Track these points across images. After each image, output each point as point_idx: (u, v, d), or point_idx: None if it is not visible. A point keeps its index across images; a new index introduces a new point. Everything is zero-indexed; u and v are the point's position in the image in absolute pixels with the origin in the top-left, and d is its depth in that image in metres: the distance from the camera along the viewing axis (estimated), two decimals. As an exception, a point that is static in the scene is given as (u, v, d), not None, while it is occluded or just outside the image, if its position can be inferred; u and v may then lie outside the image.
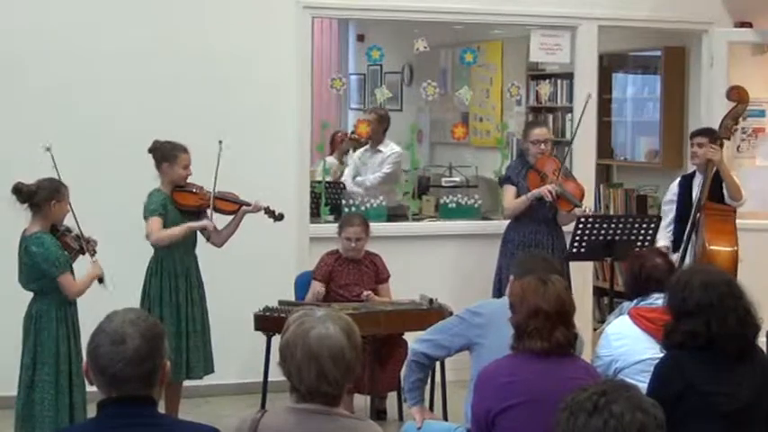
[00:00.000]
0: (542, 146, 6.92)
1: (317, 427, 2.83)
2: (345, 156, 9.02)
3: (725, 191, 6.65)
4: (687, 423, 3.52)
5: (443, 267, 7.36)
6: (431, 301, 6.29)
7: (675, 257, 6.37)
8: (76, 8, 6.67)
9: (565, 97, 9.43)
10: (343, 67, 11.80)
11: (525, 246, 6.76)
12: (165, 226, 5.81)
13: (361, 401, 6.18)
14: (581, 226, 6.61)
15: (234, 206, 6.09)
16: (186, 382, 6.06)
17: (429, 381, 4.93)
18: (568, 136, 8.94)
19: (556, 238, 6.92)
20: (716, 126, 6.82)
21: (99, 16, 6.71)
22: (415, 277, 6.88)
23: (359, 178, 8.23)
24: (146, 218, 5.81)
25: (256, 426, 2.87)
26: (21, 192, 5.20)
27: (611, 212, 8.63)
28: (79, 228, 5.40)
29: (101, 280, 5.39)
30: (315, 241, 7.01)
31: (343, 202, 7.50)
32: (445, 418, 5.78)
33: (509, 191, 6.99)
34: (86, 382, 2.74)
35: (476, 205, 7.74)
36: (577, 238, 6.62)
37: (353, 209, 7.32)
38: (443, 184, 9.70)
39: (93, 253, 5.45)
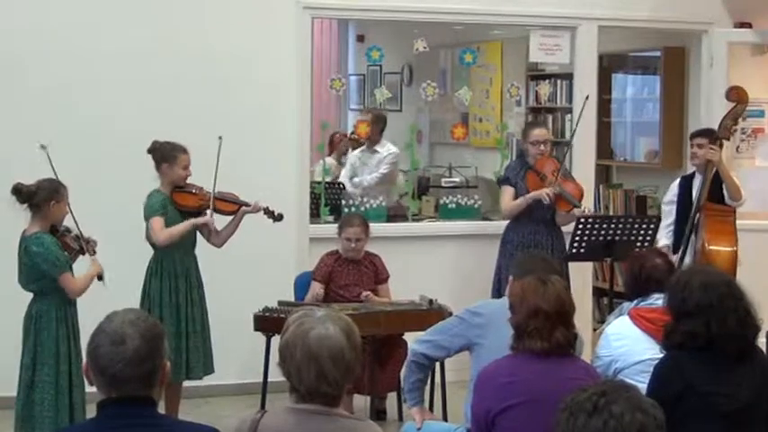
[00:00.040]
0: (542, 146, 6.92)
1: (316, 427, 2.83)
2: (344, 156, 9.03)
3: (725, 191, 6.65)
4: (687, 423, 3.52)
5: (443, 268, 7.36)
6: (430, 301, 6.29)
7: (675, 258, 6.37)
8: (76, 8, 6.67)
9: (564, 98, 9.43)
10: (342, 67, 11.80)
11: (524, 246, 6.76)
12: (166, 227, 5.82)
13: (361, 402, 6.18)
14: (581, 226, 6.61)
15: (233, 206, 6.09)
16: (186, 383, 6.06)
17: (429, 381, 4.93)
18: (568, 136, 8.94)
19: (555, 239, 6.92)
20: (715, 126, 6.82)
21: (99, 16, 6.71)
22: (415, 278, 6.88)
23: (356, 179, 8.23)
24: (147, 218, 5.81)
25: (256, 426, 2.87)
26: (20, 192, 5.20)
27: (611, 213, 8.63)
28: (78, 228, 5.40)
29: (100, 277, 5.39)
30: (314, 242, 7.01)
31: (343, 202, 7.50)
32: (445, 419, 5.78)
33: (507, 192, 6.99)
34: (86, 382, 2.74)
35: (475, 206, 7.74)
36: (577, 238, 6.62)
37: (353, 209, 7.32)
38: (443, 184, 9.71)
39: (93, 253, 5.45)
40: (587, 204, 7.26)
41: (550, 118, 9.84)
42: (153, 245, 5.91)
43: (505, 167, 7.39)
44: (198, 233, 6.06)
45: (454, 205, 7.74)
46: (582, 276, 7.51)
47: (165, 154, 5.89)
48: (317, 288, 6.44)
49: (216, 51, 6.85)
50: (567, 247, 6.73)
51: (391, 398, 6.48)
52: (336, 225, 6.68)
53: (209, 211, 5.99)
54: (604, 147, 8.96)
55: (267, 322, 6.11)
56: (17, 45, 6.57)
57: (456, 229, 7.55)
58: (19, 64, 6.57)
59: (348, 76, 11.52)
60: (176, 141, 5.91)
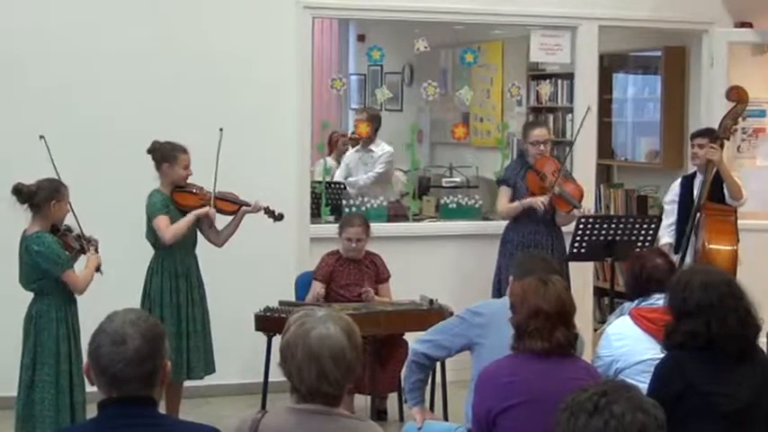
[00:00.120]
0: (541, 146, 6.93)
1: (317, 427, 2.83)
2: (343, 156, 9.03)
3: (725, 191, 6.65)
4: (687, 423, 3.52)
5: (444, 268, 7.36)
6: (431, 301, 6.29)
7: (676, 258, 6.37)
8: (76, 8, 6.67)
9: (565, 97, 9.43)
10: (343, 67, 11.80)
11: (524, 246, 6.76)
12: (169, 225, 5.85)
13: (362, 402, 6.18)
14: (581, 226, 6.62)
15: (234, 206, 6.09)
16: (187, 383, 6.06)
17: (429, 381, 4.93)
18: (569, 136, 8.95)
19: (555, 239, 6.92)
20: (716, 126, 6.82)
21: (99, 16, 6.71)
22: (416, 277, 6.88)
23: (351, 178, 8.22)
24: (150, 218, 5.82)
25: (257, 426, 2.87)
26: (21, 192, 5.20)
27: (612, 213, 8.63)
28: (80, 227, 5.40)
29: (97, 268, 5.39)
30: (315, 241, 7.00)
31: (344, 202, 7.50)
32: (446, 419, 5.77)
33: (504, 193, 7.01)
34: (87, 382, 2.74)
35: (476, 206, 7.74)
36: (578, 238, 6.63)
37: (354, 209, 7.32)
38: (444, 184, 9.71)
39: (95, 251, 5.45)
40: (588, 204, 7.27)
41: (551, 118, 9.83)
42: (153, 245, 5.92)
43: (505, 167, 7.40)
44: (198, 233, 6.06)
45: (455, 205, 7.74)
46: (583, 276, 7.51)
47: (166, 154, 5.89)
48: (317, 288, 6.44)
49: (216, 51, 6.85)
50: (568, 246, 6.73)
51: (392, 398, 6.47)
52: (337, 225, 6.68)
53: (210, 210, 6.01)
54: (605, 146, 8.96)
55: (268, 322, 6.11)
56: (17, 45, 6.57)
57: (457, 229, 7.55)
58: (19, 64, 6.57)
59: (349, 75, 11.51)
60: (176, 141, 5.91)
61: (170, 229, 5.80)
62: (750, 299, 3.69)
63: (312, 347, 2.80)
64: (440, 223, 7.80)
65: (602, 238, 6.63)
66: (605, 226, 6.64)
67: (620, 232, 6.64)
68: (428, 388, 4.91)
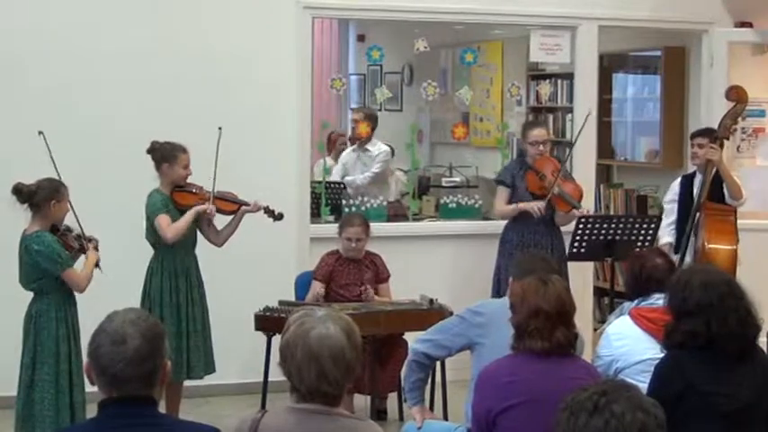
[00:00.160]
0: (541, 147, 6.93)
1: (317, 427, 2.83)
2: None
3: (725, 191, 6.65)
4: (687, 423, 3.52)
5: (443, 267, 7.36)
6: (431, 301, 6.29)
7: (675, 258, 6.37)
8: (76, 8, 6.67)
9: (565, 97, 9.43)
10: (343, 67, 11.80)
11: (524, 246, 6.76)
12: (168, 225, 5.85)
13: (362, 401, 6.18)
14: (581, 226, 6.62)
15: (233, 206, 6.09)
16: (187, 382, 6.06)
17: (429, 381, 4.93)
18: (568, 136, 8.95)
19: (554, 239, 6.92)
20: (716, 126, 6.82)
21: (99, 16, 6.71)
22: (415, 277, 6.88)
23: (348, 178, 8.21)
24: (151, 218, 5.82)
25: (257, 426, 2.87)
26: (21, 192, 5.20)
27: (612, 212, 8.63)
28: (80, 227, 5.40)
29: (96, 264, 5.40)
30: (315, 241, 7.01)
31: (344, 202, 7.50)
32: (446, 418, 5.78)
33: (501, 193, 7.02)
34: (87, 381, 2.74)
35: (476, 205, 7.74)
36: (578, 238, 6.63)
37: (354, 209, 7.32)
38: (444, 184, 9.72)
39: (94, 249, 5.45)
40: (588, 204, 7.27)
41: (551, 118, 9.83)
42: (153, 244, 5.92)
43: (504, 167, 7.40)
44: (198, 232, 6.06)
45: (455, 205, 7.74)
46: (582, 276, 7.51)
47: (166, 154, 5.89)
48: (317, 287, 6.44)
49: (216, 51, 6.85)
50: (568, 246, 6.73)
51: (392, 397, 6.47)
52: (337, 225, 6.68)
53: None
54: (605, 146, 8.96)
55: (268, 322, 6.11)
56: (17, 45, 6.57)
57: (456, 228, 7.55)
58: (19, 64, 6.57)
59: (348, 75, 11.51)
60: (176, 141, 5.91)
61: (171, 228, 5.80)
62: (750, 299, 3.69)
63: (312, 347, 2.80)
64: (439, 223, 7.80)
65: (601, 237, 6.63)
66: (605, 226, 6.64)
67: (619, 232, 6.64)
68: (428, 387, 4.91)
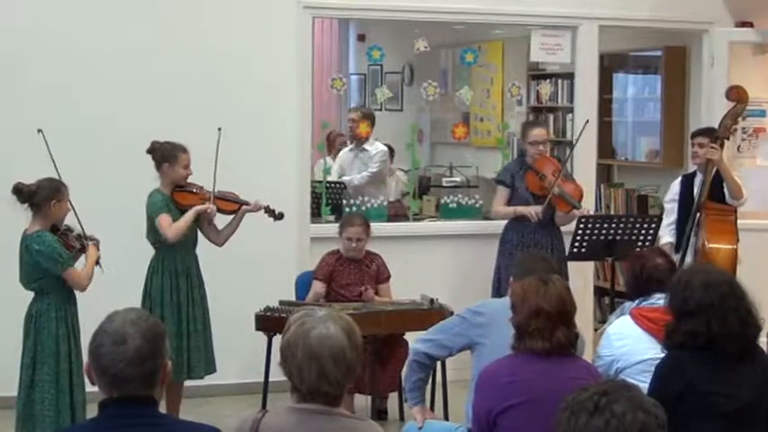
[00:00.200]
0: (540, 146, 6.93)
1: (317, 427, 2.83)
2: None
3: (726, 190, 6.65)
4: (688, 423, 3.52)
5: (444, 267, 7.36)
6: (431, 301, 6.29)
7: (676, 258, 6.37)
8: (76, 8, 6.67)
9: (566, 97, 9.43)
10: (343, 67, 11.80)
11: (524, 246, 6.76)
12: (168, 225, 5.84)
13: (362, 401, 6.18)
14: (582, 226, 6.62)
15: (234, 206, 6.09)
16: (187, 382, 6.06)
17: (430, 381, 4.93)
18: (569, 136, 8.95)
19: (554, 239, 6.92)
20: (716, 126, 6.82)
21: (99, 16, 6.70)
22: (416, 277, 6.88)
23: (345, 177, 8.21)
24: (152, 217, 5.82)
25: (257, 426, 2.87)
26: (21, 192, 5.20)
27: (612, 212, 8.63)
28: (81, 226, 5.40)
29: (97, 261, 5.40)
30: (315, 241, 7.00)
31: (344, 202, 7.49)
32: (446, 418, 5.77)
33: (500, 193, 7.03)
34: (87, 381, 2.74)
35: (476, 205, 7.74)
36: (578, 237, 6.63)
37: (354, 209, 7.31)
38: (444, 184, 9.72)
39: (96, 248, 5.45)
40: (588, 204, 7.28)
41: (551, 117, 9.83)
42: (154, 244, 5.92)
43: (503, 167, 7.40)
44: (199, 232, 6.06)
45: (455, 205, 7.73)
46: (583, 276, 7.51)
47: (166, 154, 5.89)
48: (318, 287, 6.44)
49: (216, 51, 6.85)
50: (569, 246, 6.73)
51: (392, 397, 6.47)
52: (337, 224, 6.68)
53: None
54: (605, 146, 8.96)
55: (268, 322, 6.11)
56: (17, 45, 6.56)
57: (457, 228, 7.54)
58: (19, 64, 6.57)
59: (349, 75, 11.51)
60: (176, 141, 5.91)
61: (172, 228, 5.80)
62: (751, 299, 3.69)
63: (312, 347, 2.80)
64: (440, 223, 7.80)
65: (602, 237, 6.63)
66: (605, 225, 6.64)
67: (620, 232, 6.64)
68: (428, 387, 4.91)
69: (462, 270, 7.35)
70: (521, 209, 6.83)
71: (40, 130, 5.40)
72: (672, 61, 8.49)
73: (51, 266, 5.18)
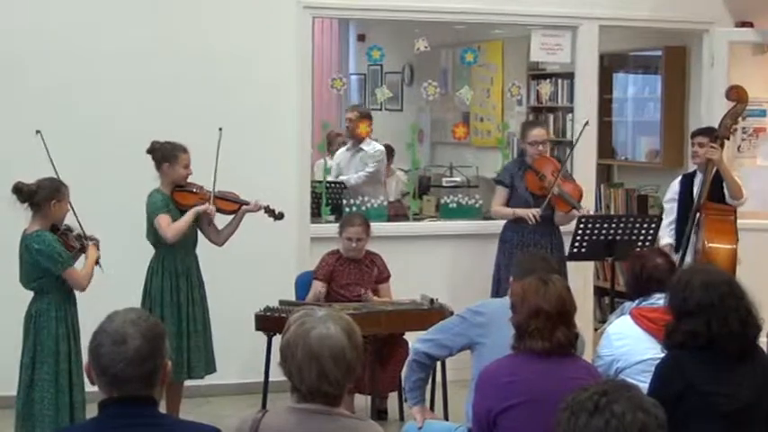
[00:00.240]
0: (540, 146, 6.94)
1: (317, 427, 2.83)
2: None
3: (725, 190, 6.65)
4: (688, 423, 3.52)
5: (444, 267, 7.36)
6: (431, 300, 6.29)
7: (676, 258, 6.37)
8: (76, 8, 6.67)
9: (566, 97, 9.43)
10: (343, 67, 11.81)
11: (524, 246, 6.77)
12: (168, 225, 5.84)
13: (362, 401, 6.18)
14: (582, 226, 6.62)
15: (234, 205, 6.09)
16: (187, 382, 6.06)
17: (430, 380, 4.93)
18: (569, 136, 8.95)
19: (554, 238, 6.93)
20: (716, 126, 6.82)
21: (99, 16, 6.70)
22: (416, 277, 6.88)
23: (342, 177, 8.21)
24: (152, 217, 5.82)
25: (257, 426, 2.87)
26: (21, 191, 5.20)
27: (612, 212, 8.63)
28: (81, 226, 5.40)
29: (96, 261, 5.40)
30: (315, 241, 7.00)
31: (344, 202, 7.49)
32: (446, 418, 5.77)
33: (499, 193, 7.04)
34: (87, 381, 2.74)
35: (476, 205, 7.74)
36: (578, 237, 6.63)
37: (354, 209, 7.31)
38: (444, 184, 9.72)
39: (96, 248, 5.45)
40: (588, 204, 7.27)
41: (551, 117, 9.83)
42: (154, 244, 5.92)
43: (503, 167, 7.40)
44: (199, 232, 6.06)
45: (455, 205, 7.73)
46: (583, 276, 7.51)
47: (166, 154, 5.89)
48: (318, 287, 6.44)
49: (216, 51, 6.85)
50: (569, 246, 6.73)
51: (392, 397, 6.47)
52: (337, 224, 6.68)
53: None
54: (605, 146, 8.96)
55: (268, 322, 6.11)
56: (17, 45, 6.56)
57: (457, 228, 7.54)
58: (19, 64, 6.57)
59: (349, 75, 11.52)
60: (176, 141, 5.91)
61: (171, 228, 5.80)
62: (751, 298, 3.69)
63: (312, 347, 2.80)
64: (440, 223, 7.80)
65: (602, 237, 6.63)
66: (605, 225, 6.64)
67: (620, 232, 6.64)
68: (428, 387, 4.91)
69: (462, 270, 7.35)
70: (519, 211, 6.83)
71: (38, 132, 5.40)
72: (672, 61, 8.49)
73: (51, 266, 5.18)
